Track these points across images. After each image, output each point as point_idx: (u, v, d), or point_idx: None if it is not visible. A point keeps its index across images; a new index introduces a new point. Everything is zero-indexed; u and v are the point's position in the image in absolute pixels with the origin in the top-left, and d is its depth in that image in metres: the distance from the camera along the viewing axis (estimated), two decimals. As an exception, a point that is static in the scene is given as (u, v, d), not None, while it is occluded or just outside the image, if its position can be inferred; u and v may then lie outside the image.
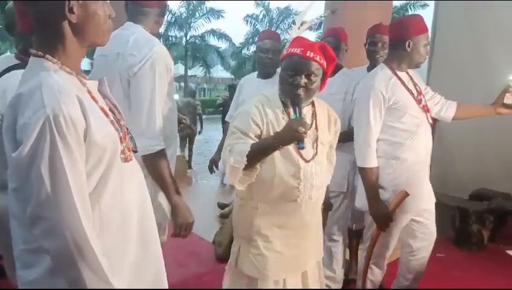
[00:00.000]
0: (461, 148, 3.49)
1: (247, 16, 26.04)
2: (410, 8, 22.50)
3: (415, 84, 2.29)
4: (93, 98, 1.13)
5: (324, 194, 1.93)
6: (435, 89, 2.47)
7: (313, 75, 1.70)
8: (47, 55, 1.08)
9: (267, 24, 25.59)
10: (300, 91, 1.70)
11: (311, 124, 1.81)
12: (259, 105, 1.77)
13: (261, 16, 26.10)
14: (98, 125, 1.08)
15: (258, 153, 1.63)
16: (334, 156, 2.00)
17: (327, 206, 2.08)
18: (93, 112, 1.08)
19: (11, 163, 1.04)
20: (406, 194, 2.19)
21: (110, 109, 1.20)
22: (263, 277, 1.81)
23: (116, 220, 1.16)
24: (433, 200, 2.40)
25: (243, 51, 26.66)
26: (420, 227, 2.39)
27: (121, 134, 1.17)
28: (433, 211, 2.42)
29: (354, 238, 2.97)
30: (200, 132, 7.95)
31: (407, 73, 2.29)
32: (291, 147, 1.71)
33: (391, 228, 2.28)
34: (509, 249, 3.70)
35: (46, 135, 0.98)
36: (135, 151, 1.25)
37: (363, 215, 2.61)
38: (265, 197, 1.80)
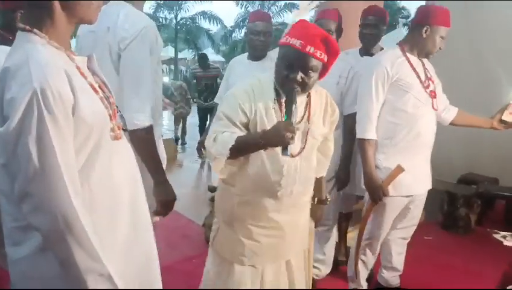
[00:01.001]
0: (450, 133, 3.50)
1: (238, -4, 25.68)
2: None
3: (425, 70, 2.29)
4: (82, 74, 1.11)
5: (311, 187, 1.86)
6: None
7: (311, 71, 1.58)
8: (34, 30, 1.06)
9: (259, 6, 25.27)
10: (296, 86, 1.59)
11: (303, 115, 1.71)
12: (249, 90, 1.68)
13: (252, -2, 25.76)
14: (87, 102, 1.06)
15: (242, 148, 1.58)
16: (330, 148, 1.94)
17: (323, 201, 2.01)
18: (82, 88, 1.06)
19: None
20: (401, 169, 2.22)
21: (99, 86, 1.17)
22: (239, 262, 1.79)
23: (106, 198, 1.14)
24: (428, 186, 2.43)
25: (233, 34, 26.39)
26: (405, 212, 2.43)
27: (110, 111, 1.16)
28: (424, 199, 2.46)
29: (343, 221, 3.00)
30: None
31: (420, 59, 2.29)
32: None
33: (384, 206, 2.31)
34: (495, 233, 3.76)
35: (34, 110, 0.96)
36: (125, 130, 1.23)
37: (353, 199, 2.63)
38: (246, 187, 1.74)
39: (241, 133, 1.63)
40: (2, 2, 1.61)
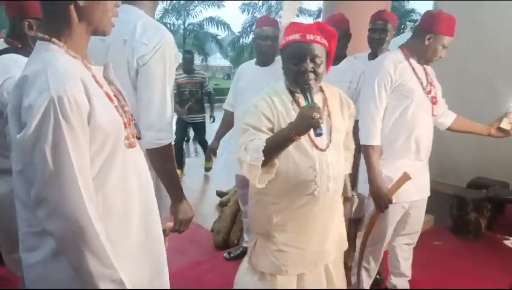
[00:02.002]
0: (459, 137, 3.50)
1: (243, 4, 25.82)
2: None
3: (426, 75, 2.28)
4: (97, 82, 1.13)
5: (342, 184, 1.85)
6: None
7: (317, 57, 1.63)
8: (53, 39, 1.09)
9: (266, 12, 25.37)
10: (309, 76, 1.63)
11: (324, 111, 1.72)
12: (267, 98, 1.70)
13: (259, 4, 25.89)
14: (102, 110, 1.08)
15: (274, 146, 1.54)
16: (353, 142, 1.94)
17: (349, 198, 2.00)
18: (98, 97, 1.09)
19: (15, 145, 1.05)
20: (408, 177, 2.19)
21: (114, 95, 1.20)
22: (282, 273, 1.77)
23: (119, 205, 1.16)
24: (427, 193, 2.42)
25: (241, 39, 26.50)
26: (408, 218, 2.42)
27: (125, 120, 1.18)
28: (425, 204, 2.45)
29: (352, 226, 2.98)
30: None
31: (421, 64, 2.28)
32: (304, 138, 1.63)
33: (387, 214, 2.29)
34: (506, 239, 3.72)
35: (51, 117, 0.98)
36: (139, 138, 1.25)
37: (362, 204, 2.63)
38: (281, 192, 1.72)
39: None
40: (12, 10, 1.63)
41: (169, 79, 1.62)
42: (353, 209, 2.17)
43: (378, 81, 2.18)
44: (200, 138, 6.19)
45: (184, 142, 6.49)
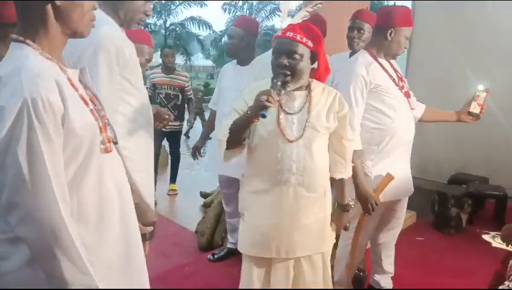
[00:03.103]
0: (439, 133, 3.55)
1: (225, 4, 25.80)
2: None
3: (395, 71, 2.31)
4: (73, 85, 1.11)
5: (318, 185, 1.84)
6: (412, 86, 2.49)
7: (295, 54, 1.70)
8: (27, 40, 1.06)
9: (247, 11, 25.39)
10: (285, 71, 1.70)
11: (302, 106, 1.80)
12: (254, 87, 1.79)
13: (240, 3, 25.89)
14: (77, 113, 1.06)
15: (238, 125, 1.71)
16: (347, 147, 1.91)
17: (343, 206, 1.99)
18: (73, 99, 1.06)
19: None
20: (391, 177, 2.21)
21: (90, 99, 1.17)
22: (244, 250, 1.90)
23: (96, 211, 1.14)
24: (411, 189, 2.43)
25: (223, 39, 26.44)
26: (391, 213, 2.44)
27: (101, 124, 1.15)
28: (407, 199, 2.47)
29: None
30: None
31: (388, 61, 2.30)
32: (275, 127, 1.76)
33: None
34: (486, 233, 3.78)
35: (24, 119, 0.96)
36: (115, 143, 1.22)
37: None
38: (251, 175, 1.88)
39: None
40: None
41: (110, 81, 1.49)
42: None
43: (353, 86, 2.18)
44: (173, 150, 5.12)
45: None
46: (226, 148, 1.77)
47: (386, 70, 2.24)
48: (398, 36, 2.19)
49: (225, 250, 3.18)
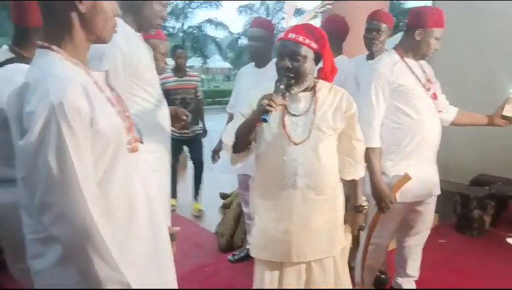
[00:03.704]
0: (462, 134, 3.49)
1: (241, 6, 25.93)
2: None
3: (424, 72, 2.29)
4: (99, 88, 1.14)
5: (326, 186, 1.82)
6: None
7: (298, 56, 1.68)
8: (53, 46, 1.09)
9: (264, 13, 25.45)
10: (288, 73, 1.70)
11: (308, 108, 1.78)
12: (261, 91, 1.78)
13: (257, 5, 25.95)
14: (103, 115, 1.09)
15: (243, 129, 1.74)
16: (356, 148, 1.89)
17: (356, 207, 1.99)
18: (99, 102, 1.09)
19: (18, 152, 1.05)
20: (408, 178, 2.19)
21: (116, 100, 1.20)
22: (255, 253, 1.90)
23: (124, 209, 1.16)
24: (437, 191, 2.40)
25: (239, 41, 26.56)
26: (416, 217, 2.41)
27: (127, 124, 1.18)
28: (434, 202, 2.44)
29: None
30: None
31: (417, 61, 2.28)
32: (280, 130, 1.76)
33: (391, 213, 2.29)
34: (509, 236, 3.71)
35: (52, 123, 0.99)
36: (141, 142, 1.25)
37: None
38: (259, 179, 1.89)
39: None
40: (17, 16, 1.61)
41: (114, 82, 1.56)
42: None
43: (374, 85, 2.19)
44: (195, 156, 4.56)
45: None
46: (233, 152, 1.79)
47: (412, 71, 2.22)
48: (427, 37, 2.17)
49: (245, 251, 3.19)
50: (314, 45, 1.71)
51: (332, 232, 1.90)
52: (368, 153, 2.17)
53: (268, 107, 1.56)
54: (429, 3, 4.74)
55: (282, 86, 1.66)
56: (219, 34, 26.81)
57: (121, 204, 1.15)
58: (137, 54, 1.68)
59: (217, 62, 32.22)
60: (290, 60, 1.69)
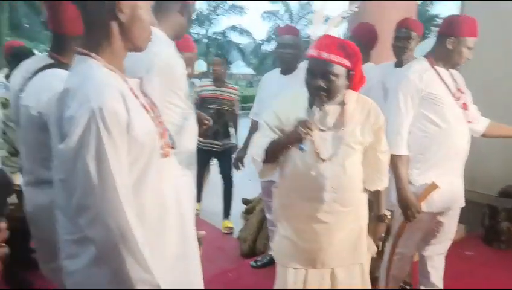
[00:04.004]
0: (490, 144, 3.41)
1: (265, 12, 26.08)
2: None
3: (454, 81, 2.26)
4: (134, 95, 1.17)
5: (351, 199, 1.82)
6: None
7: (331, 75, 1.65)
8: (92, 53, 1.13)
9: (288, 19, 25.52)
10: (320, 92, 1.67)
11: (336, 122, 1.76)
12: (286, 101, 1.82)
13: (281, 12, 26.05)
14: (139, 121, 1.11)
15: (273, 148, 1.75)
16: (381, 160, 1.88)
17: (379, 217, 1.99)
18: (135, 108, 1.12)
19: (57, 155, 1.09)
20: (435, 187, 2.16)
21: (150, 107, 1.23)
22: (280, 261, 1.91)
23: (156, 213, 1.19)
24: (462, 203, 2.36)
25: (262, 47, 26.69)
26: (440, 227, 2.38)
27: (160, 130, 1.21)
28: (458, 213, 2.40)
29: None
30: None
31: (448, 70, 2.25)
32: (309, 145, 1.71)
33: (416, 223, 2.26)
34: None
35: (92, 128, 1.02)
36: (173, 148, 1.28)
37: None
38: (285, 190, 1.88)
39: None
40: (58, 26, 1.66)
41: (161, 95, 1.58)
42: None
43: (402, 92, 2.17)
44: (225, 171, 4.33)
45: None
46: (262, 166, 1.80)
47: (442, 79, 2.19)
48: (459, 46, 2.14)
49: (268, 257, 3.19)
50: (346, 63, 1.66)
51: (356, 240, 1.89)
52: (395, 161, 2.16)
53: (305, 136, 1.57)
54: (458, 4, 4.64)
55: (318, 109, 1.66)
56: (242, 40, 27.02)
57: (152, 207, 1.18)
58: (179, 64, 1.73)
59: (240, 68, 32.41)
60: (323, 79, 1.66)
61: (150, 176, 1.16)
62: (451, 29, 2.15)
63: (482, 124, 2.38)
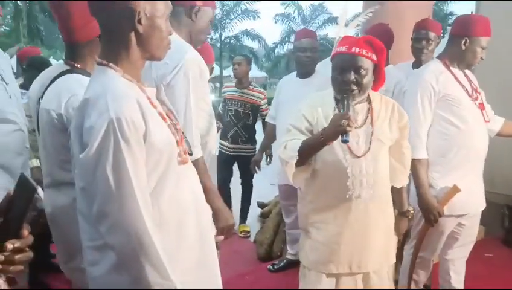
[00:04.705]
0: (509, 144, 3.36)
1: (277, 15, 26.13)
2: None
3: (470, 82, 2.24)
4: (152, 103, 1.19)
5: (384, 196, 1.86)
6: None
7: (362, 69, 1.70)
8: (110, 64, 1.16)
9: (301, 22, 25.51)
10: (352, 87, 1.71)
11: (366, 119, 1.80)
12: (312, 102, 1.84)
13: (295, 14, 26.05)
14: (157, 129, 1.14)
15: (308, 148, 1.71)
16: (406, 156, 1.93)
17: (403, 213, 2.02)
18: (152, 117, 1.15)
19: (78, 164, 1.12)
20: (457, 190, 2.13)
21: (167, 114, 1.26)
22: (315, 268, 1.86)
23: (174, 219, 1.21)
24: (483, 205, 2.33)
25: (276, 50, 26.71)
26: (461, 230, 2.35)
27: (177, 137, 1.23)
28: (479, 214, 2.37)
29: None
30: None
31: (462, 71, 2.24)
32: (341, 144, 1.71)
33: (438, 226, 2.23)
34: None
35: (111, 137, 1.05)
36: (190, 154, 1.30)
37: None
38: (318, 193, 1.85)
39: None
40: (66, 35, 1.71)
41: (195, 96, 1.69)
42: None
43: (420, 94, 2.15)
44: (245, 178, 4.20)
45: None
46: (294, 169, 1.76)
47: (458, 80, 2.18)
48: (473, 45, 2.12)
49: (285, 261, 3.20)
50: (374, 57, 1.73)
51: (387, 240, 1.92)
52: (415, 165, 2.14)
53: (348, 128, 1.56)
54: (473, 3, 4.58)
55: (351, 102, 1.67)
56: (255, 44, 27.11)
57: (171, 214, 1.20)
58: (207, 68, 1.80)
59: (253, 71, 32.49)
60: (355, 74, 1.70)
61: (169, 182, 1.19)
62: (464, 29, 2.14)
63: (497, 123, 2.35)
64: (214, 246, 1.38)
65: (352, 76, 1.70)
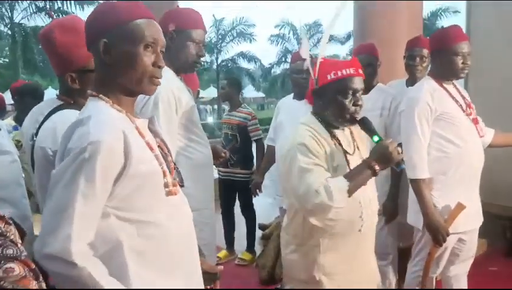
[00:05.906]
0: (510, 155, 3.36)
1: (272, 36, 26.47)
2: (442, 14, 22.17)
3: (463, 97, 2.26)
4: (140, 133, 1.18)
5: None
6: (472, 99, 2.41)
7: (362, 91, 1.69)
8: (100, 95, 1.18)
9: (296, 42, 25.81)
10: (358, 110, 1.67)
11: (353, 144, 1.78)
12: (311, 134, 1.68)
13: (290, 35, 26.37)
14: (140, 159, 1.13)
15: (358, 185, 1.60)
16: None
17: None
18: (138, 146, 1.14)
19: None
20: (463, 207, 2.11)
21: (158, 145, 1.25)
22: None
23: (162, 252, 1.18)
24: (481, 219, 2.33)
25: (272, 70, 26.98)
26: (462, 246, 2.33)
27: (165, 168, 1.20)
28: (477, 230, 2.36)
29: (401, 256, 2.89)
30: None
31: (454, 86, 2.26)
32: (346, 171, 1.67)
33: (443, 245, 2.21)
34: None
35: (78, 156, 1.05)
36: (182, 186, 1.28)
37: (411, 232, 2.55)
38: (327, 232, 1.68)
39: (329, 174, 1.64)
40: (56, 68, 1.71)
41: (169, 126, 1.68)
42: None
43: (417, 113, 2.15)
44: (244, 202, 4.07)
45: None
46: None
47: (452, 96, 2.20)
48: (448, 56, 2.14)
49: (288, 284, 3.15)
50: None
51: (375, 260, 1.91)
52: (419, 185, 2.13)
53: (400, 155, 1.56)
54: (463, 4, 4.62)
55: (373, 127, 1.66)
56: (251, 65, 27.41)
57: (158, 246, 1.17)
58: (185, 94, 1.80)
59: (250, 92, 32.73)
60: (359, 95, 1.68)
61: (154, 213, 1.17)
62: (436, 44, 2.20)
63: (488, 135, 2.36)
64: (200, 279, 1.33)
65: (359, 99, 1.67)
